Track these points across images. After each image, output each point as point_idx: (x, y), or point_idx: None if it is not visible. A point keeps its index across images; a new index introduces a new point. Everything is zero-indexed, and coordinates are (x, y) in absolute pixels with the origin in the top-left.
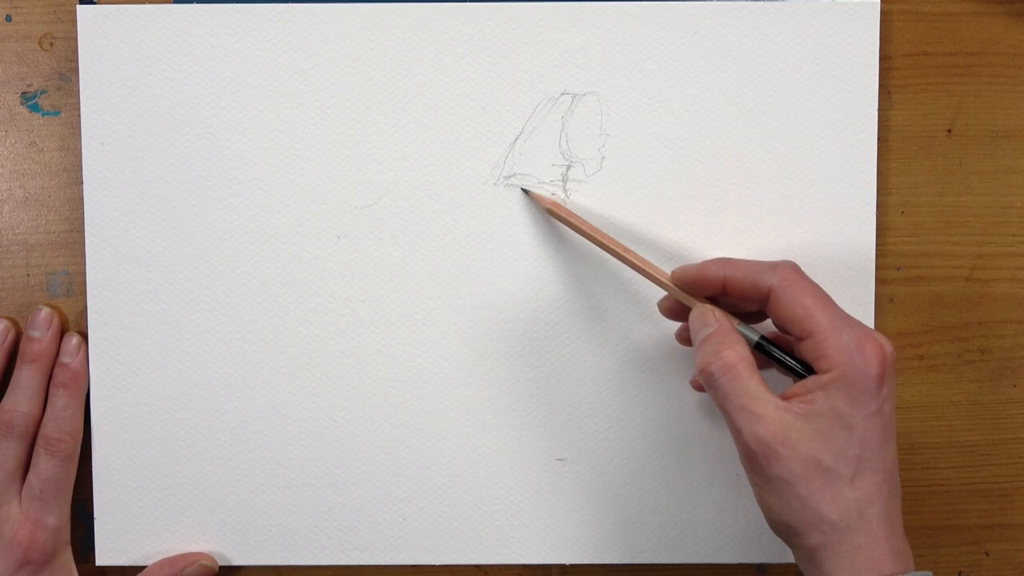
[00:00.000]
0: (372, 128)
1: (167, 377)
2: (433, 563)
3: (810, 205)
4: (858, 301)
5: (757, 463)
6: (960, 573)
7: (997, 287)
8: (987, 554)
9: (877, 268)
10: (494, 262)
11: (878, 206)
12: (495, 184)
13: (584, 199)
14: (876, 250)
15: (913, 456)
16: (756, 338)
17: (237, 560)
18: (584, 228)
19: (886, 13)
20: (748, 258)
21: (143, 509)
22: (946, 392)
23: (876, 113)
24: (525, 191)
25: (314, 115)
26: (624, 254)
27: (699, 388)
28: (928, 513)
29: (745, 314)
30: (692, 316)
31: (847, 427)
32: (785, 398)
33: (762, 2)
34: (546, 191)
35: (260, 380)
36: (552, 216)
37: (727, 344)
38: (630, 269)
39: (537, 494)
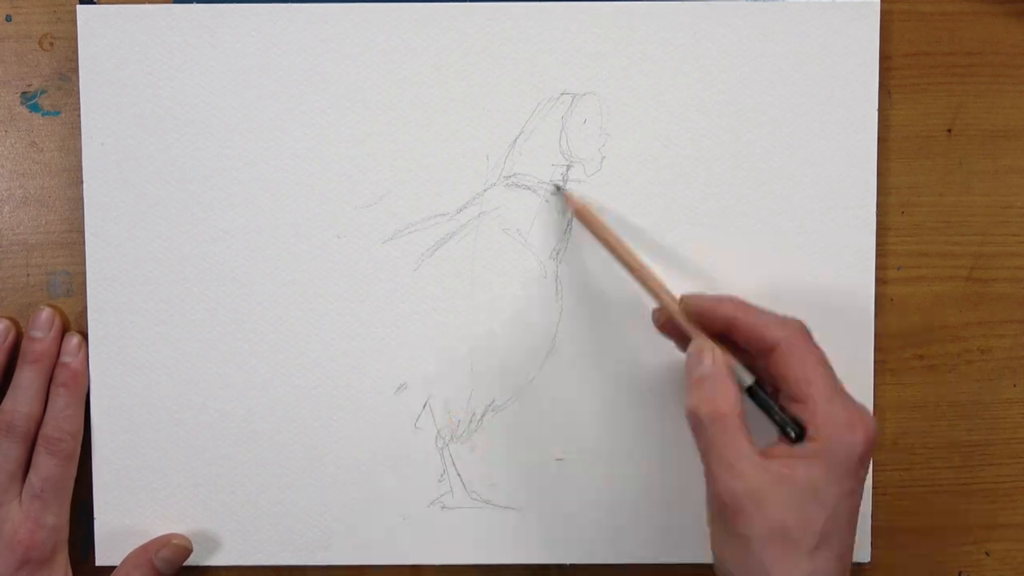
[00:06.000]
0: (372, 128)
1: (167, 377)
2: (433, 563)
3: (810, 205)
4: (858, 301)
5: (724, 517)
6: (960, 573)
7: (997, 287)
8: (987, 554)
9: (877, 268)
10: (495, 261)
11: (878, 206)
12: (496, 184)
13: (584, 199)
14: (876, 250)
15: (913, 456)
16: (750, 382)
17: (237, 560)
18: (607, 238)
19: (886, 13)
20: (760, 305)
21: (143, 509)
22: (946, 392)
23: (876, 113)
24: (558, 187)
25: (314, 115)
26: (639, 271)
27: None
28: (928, 513)
29: (738, 355)
30: (691, 349)
31: (820, 502)
32: (766, 454)
33: (762, 2)
34: (546, 191)
35: (260, 380)
36: (579, 219)
37: (721, 392)
38: (637, 278)
39: (537, 494)
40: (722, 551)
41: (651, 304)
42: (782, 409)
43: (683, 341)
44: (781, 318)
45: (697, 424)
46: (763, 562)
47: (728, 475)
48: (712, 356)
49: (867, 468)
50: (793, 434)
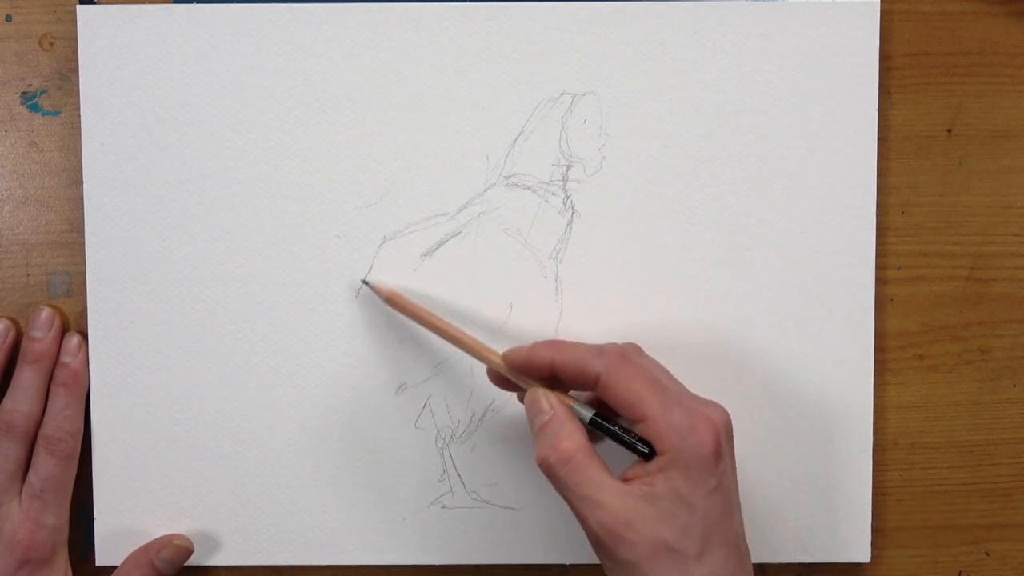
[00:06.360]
0: (372, 128)
1: (167, 377)
2: (433, 563)
3: (810, 205)
4: (858, 301)
5: (605, 548)
6: (960, 573)
7: (997, 287)
8: (987, 554)
9: (877, 268)
10: (495, 261)
11: (878, 206)
12: (496, 184)
13: (584, 199)
14: (876, 250)
15: (913, 456)
16: (589, 416)
17: (237, 560)
18: (422, 316)
19: (886, 13)
20: (577, 341)
21: (143, 509)
22: (946, 392)
23: (876, 113)
24: (365, 282)
25: (314, 115)
26: (460, 339)
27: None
28: (928, 513)
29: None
30: (526, 401)
31: (688, 506)
32: (626, 479)
33: (762, 2)
34: (546, 191)
35: (260, 380)
36: (391, 306)
37: (563, 435)
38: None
39: (537, 494)
40: None
41: (646, 297)
42: (626, 432)
43: (522, 391)
44: (597, 348)
45: (548, 471)
46: None
47: (593, 509)
48: (547, 401)
49: (728, 458)
50: (645, 450)
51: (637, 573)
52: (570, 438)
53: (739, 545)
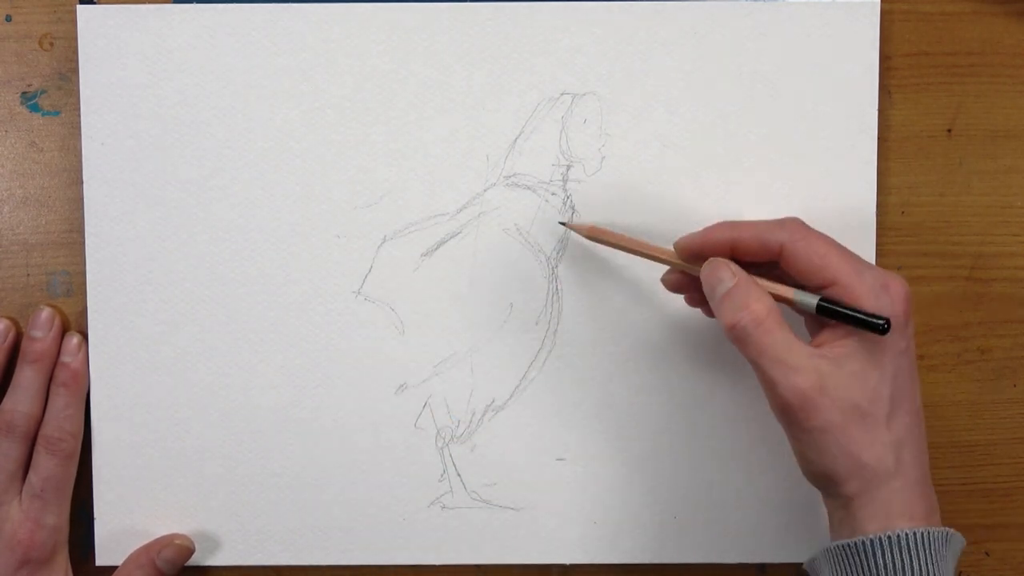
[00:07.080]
0: (372, 128)
1: (167, 377)
2: (433, 563)
3: (810, 205)
4: None
5: (795, 416)
6: (960, 573)
7: (997, 287)
8: (987, 554)
9: None
10: (495, 261)
11: (878, 206)
12: (496, 184)
13: (584, 199)
14: (876, 250)
15: None
16: (815, 301)
17: (238, 560)
18: (622, 243)
19: (886, 13)
20: (752, 221)
21: (143, 509)
22: (946, 392)
23: (876, 113)
24: (563, 224)
25: (314, 115)
26: (644, 250)
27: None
28: None
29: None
30: (704, 271)
31: (879, 366)
32: (815, 344)
33: (762, 2)
34: (546, 191)
35: (260, 380)
36: (593, 238)
37: (753, 296)
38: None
39: (537, 494)
40: (804, 453)
41: (646, 297)
42: (857, 309)
43: (698, 291)
44: (776, 221)
45: (742, 335)
46: (847, 447)
47: (787, 375)
48: (729, 268)
49: (912, 324)
50: (882, 323)
51: (828, 440)
52: (760, 300)
53: (920, 415)
